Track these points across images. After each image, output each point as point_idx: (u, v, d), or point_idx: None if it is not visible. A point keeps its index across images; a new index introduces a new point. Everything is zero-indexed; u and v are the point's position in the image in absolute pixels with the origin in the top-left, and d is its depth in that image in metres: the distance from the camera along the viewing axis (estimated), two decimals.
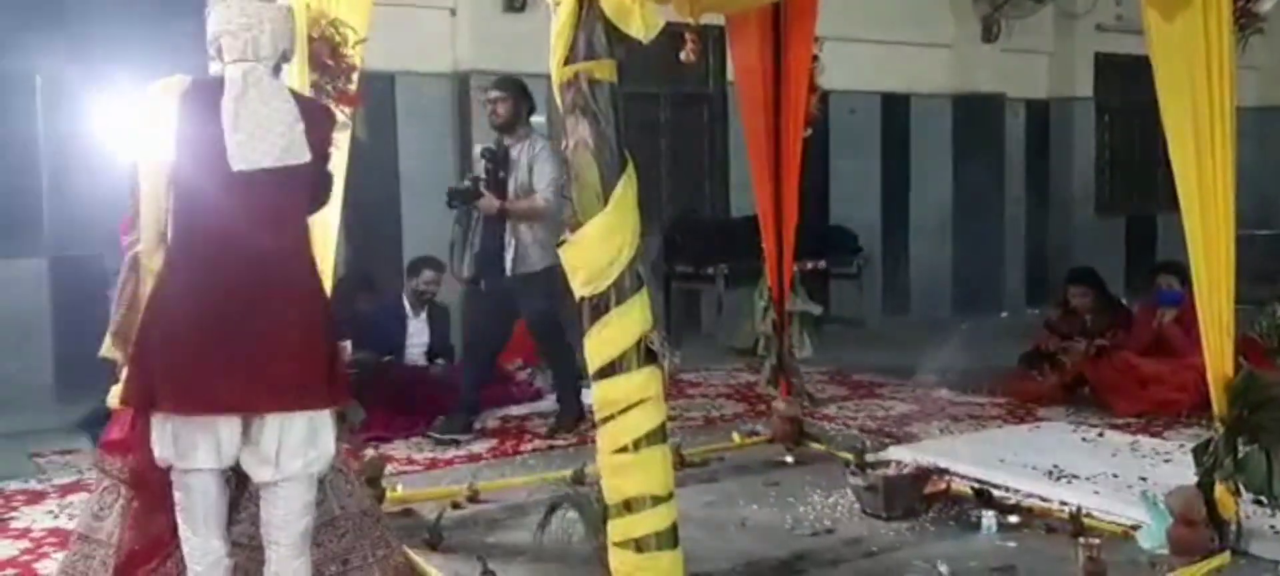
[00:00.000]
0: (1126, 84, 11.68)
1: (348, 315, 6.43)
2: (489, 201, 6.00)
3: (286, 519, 3.14)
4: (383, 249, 7.98)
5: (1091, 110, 12.06)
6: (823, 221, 10.19)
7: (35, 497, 5.04)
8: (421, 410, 6.41)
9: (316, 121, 3.18)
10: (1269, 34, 4.02)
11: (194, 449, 3.05)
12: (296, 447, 3.10)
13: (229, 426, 3.06)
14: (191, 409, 3.02)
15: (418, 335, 7.15)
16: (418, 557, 3.99)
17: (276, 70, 3.19)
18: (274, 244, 3.09)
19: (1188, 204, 3.87)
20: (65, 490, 5.12)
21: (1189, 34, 3.79)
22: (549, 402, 6.79)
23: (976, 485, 4.79)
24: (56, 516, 4.73)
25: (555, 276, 6.25)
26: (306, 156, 3.08)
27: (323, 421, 3.17)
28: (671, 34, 3.79)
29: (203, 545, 3.13)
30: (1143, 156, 12.50)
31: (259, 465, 3.09)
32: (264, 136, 3.03)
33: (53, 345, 7.09)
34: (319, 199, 3.34)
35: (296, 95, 3.21)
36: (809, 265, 8.33)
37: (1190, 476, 4.02)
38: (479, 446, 5.98)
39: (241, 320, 3.01)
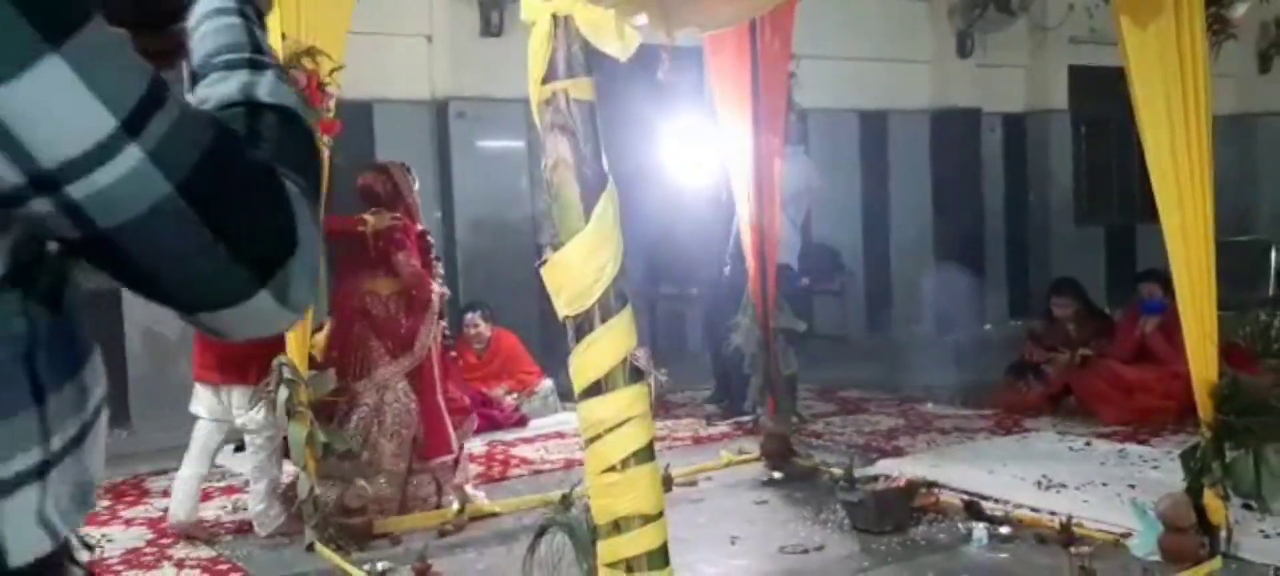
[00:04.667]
0: (1101, 95, 11.73)
1: None
2: None
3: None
4: None
5: (1068, 122, 12.13)
6: (804, 239, 10.18)
7: None
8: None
9: None
10: (1242, 41, 4.05)
11: (198, 402, 4.86)
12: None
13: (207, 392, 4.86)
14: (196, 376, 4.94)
15: None
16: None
17: None
18: None
19: (1167, 212, 3.89)
20: None
21: (1163, 42, 3.81)
22: (532, 429, 6.89)
23: (966, 497, 4.77)
24: None
25: (781, 275, 6.27)
26: None
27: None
28: (651, 54, 3.80)
29: (189, 469, 4.73)
30: (1120, 166, 12.56)
31: None
32: None
33: None
34: None
35: None
36: None
37: (1178, 482, 4.02)
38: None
39: None
